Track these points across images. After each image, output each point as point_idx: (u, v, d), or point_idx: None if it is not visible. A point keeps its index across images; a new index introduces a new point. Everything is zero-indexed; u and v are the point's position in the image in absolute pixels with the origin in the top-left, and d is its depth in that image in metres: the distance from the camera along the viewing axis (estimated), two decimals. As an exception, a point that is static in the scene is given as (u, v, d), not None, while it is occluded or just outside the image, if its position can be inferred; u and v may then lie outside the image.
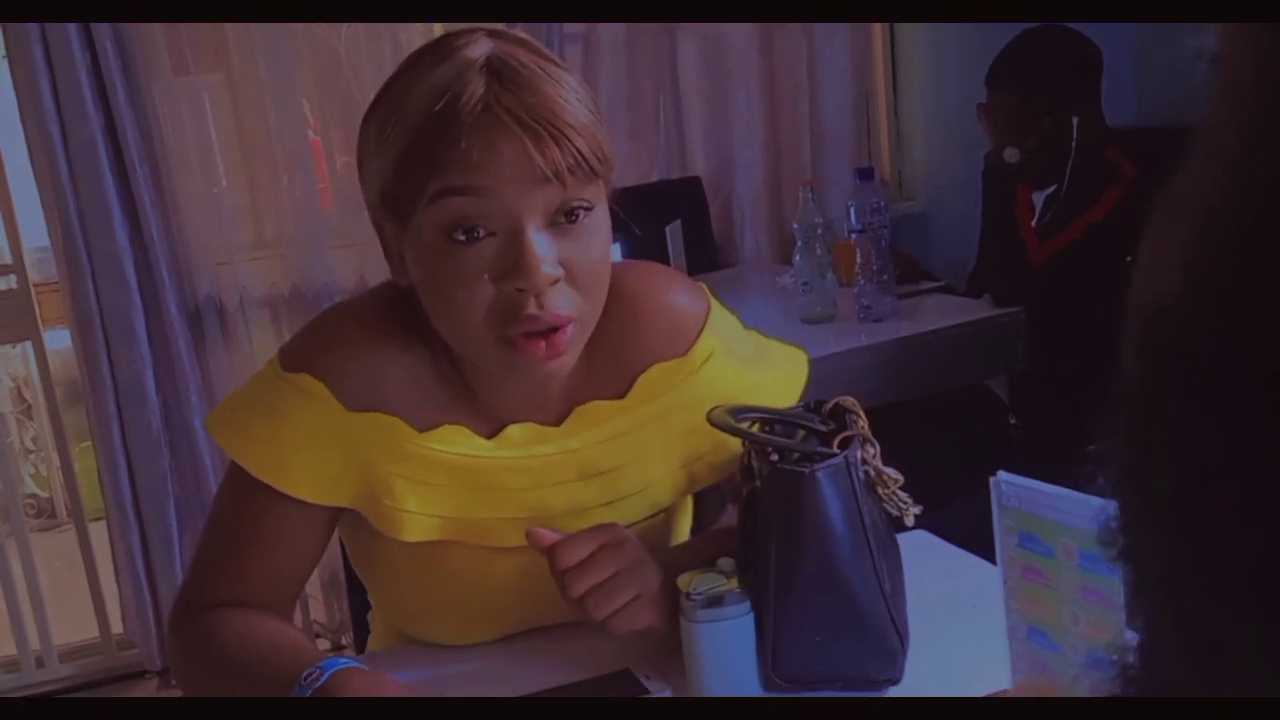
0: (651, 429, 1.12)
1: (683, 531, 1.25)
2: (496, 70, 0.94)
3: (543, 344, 0.96)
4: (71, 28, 2.45)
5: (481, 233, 0.94)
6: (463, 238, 0.95)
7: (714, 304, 1.16)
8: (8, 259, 2.69)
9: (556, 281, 0.96)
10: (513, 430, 1.09)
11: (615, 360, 1.11)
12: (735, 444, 1.08)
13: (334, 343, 1.07)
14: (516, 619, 1.15)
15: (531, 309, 0.95)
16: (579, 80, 1.00)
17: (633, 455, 1.10)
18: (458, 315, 0.98)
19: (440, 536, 1.08)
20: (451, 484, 1.08)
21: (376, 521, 1.08)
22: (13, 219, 2.62)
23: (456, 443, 1.08)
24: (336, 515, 1.11)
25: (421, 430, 1.07)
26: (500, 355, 0.98)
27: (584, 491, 1.10)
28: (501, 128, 0.92)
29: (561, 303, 0.96)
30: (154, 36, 2.60)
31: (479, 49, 0.96)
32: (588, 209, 0.97)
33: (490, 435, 1.09)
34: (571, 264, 0.96)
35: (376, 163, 0.99)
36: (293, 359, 1.07)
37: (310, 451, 1.05)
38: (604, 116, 1.01)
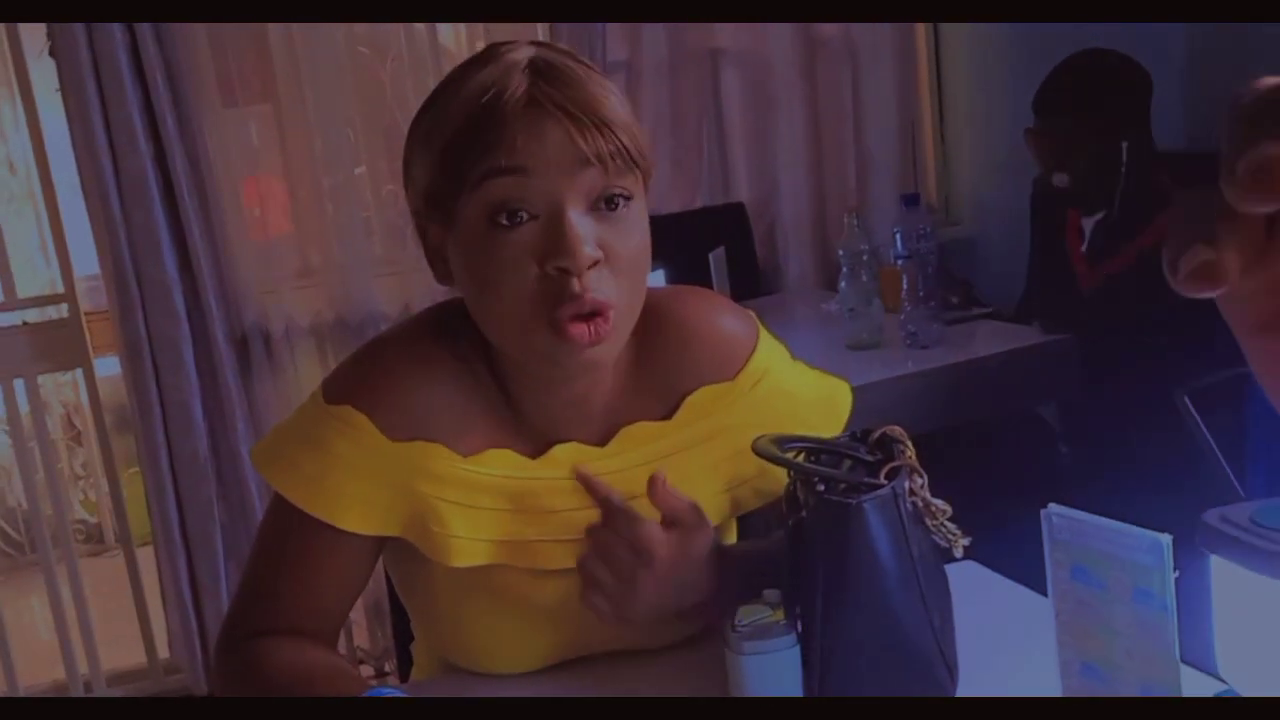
0: (697, 451, 1.11)
1: None
2: (540, 69, 0.97)
3: (586, 328, 0.96)
4: (123, 61, 2.49)
5: (525, 216, 0.96)
6: (506, 221, 0.96)
7: (763, 331, 1.16)
8: (60, 288, 2.73)
9: (596, 263, 0.96)
10: (558, 451, 1.08)
11: (662, 382, 1.11)
12: (781, 470, 1.07)
13: (375, 374, 1.07)
14: (562, 645, 1.14)
15: (575, 289, 0.95)
16: (613, 85, 1.02)
17: (677, 477, 1.08)
18: (503, 302, 0.98)
19: (488, 561, 1.07)
20: (498, 507, 1.07)
21: (425, 548, 1.07)
22: (65, 249, 2.66)
23: (502, 465, 1.07)
24: (381, 544, 1.11)
25: (466, 455, 1.07)
26: (545, 341, 0.98)
27: (636, 489, 1.09)
28: (545, 114, 0.95)
29: (602, 286, 0.97)
30: (203, 69, 2.64)
31: (523, 53, 0.99)
32: (627, 198, 0.99)
33: (535, 457, 1.09)
34: (611, 249, 0.97)
35: (422, 161, 1.01)
36: (335, 392, 1.07)
37: (357, 484, 1.05)
38: (635, 116, 1.02)
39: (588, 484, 1.05)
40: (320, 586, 1.09)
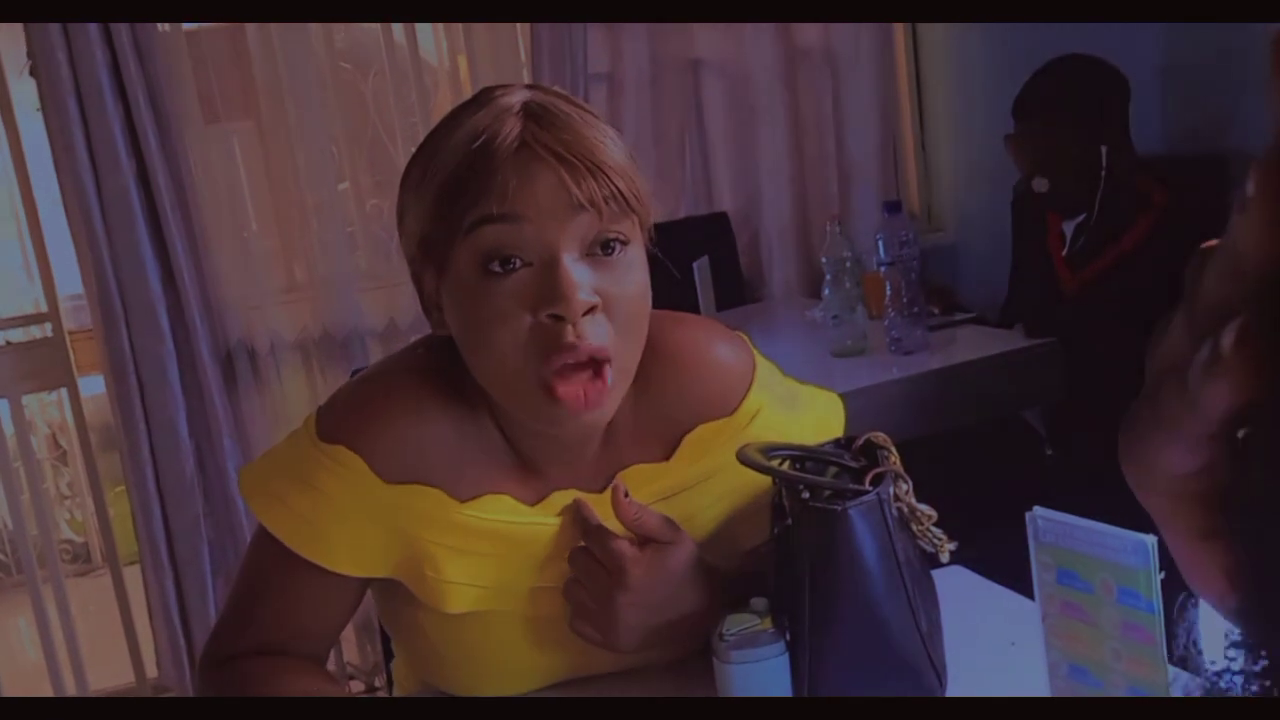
0: (698, 490, 1.09)
1: None
2: (534, 113, 0.95)
3: (582, 393, 0.94)
4: (105, 79, 2.49)
5: (518, 263, 0.94)
6: (499, 269, 0.94)
7: (758, 358, 1.14)
8: (43, 307, 2.72)
9: (592, 309, 0.94)
10: (556, 497, 1.07)
11: (660, 420, 1.09)
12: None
13: (370, 414, 1.04)
14: (549, 677, 1.13)
15: (569, 338, 0.93)
16: (614, 130, 1.00)
17: (679, 516, 1.07)
18: (495, 352, 0.95)
19: (482, 607, 1.06)
20: (495, 553, 1.05)
21: (418, 592, 1.06)
22: (48, 267, 2.65)
23: (499, 511, 1.05)
24: (369, 580, 1.09)
25: (463, 500, 1.04)
26: (539, 404, 0.96)
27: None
28: (538, 160, 0.93)
29: (598, 334, 0.94)
30: (185, 86, 2.64)
31: (516, 97, 0.97)
32: (624, 243, 0.97)
33: (533, 503, 1.07)
34: (607, 295, 0.95)
35: (416, 208, 0.99)
36: (329, 429, 1.04)
37: (349, 526, 1.03)
38: (638, 164, 1.00)
39: (579, 510, 1.04)
40: (306, 620, 1.08)
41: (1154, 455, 0.34)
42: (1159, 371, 0.34)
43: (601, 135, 0.96)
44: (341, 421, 1.04)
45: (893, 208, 2.34)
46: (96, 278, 2.57)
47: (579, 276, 0.93)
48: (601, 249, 0.95)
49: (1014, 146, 2.43)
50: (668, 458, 1.09)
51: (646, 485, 1.08)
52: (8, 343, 2.80)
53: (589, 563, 1.02)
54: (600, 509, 1.05)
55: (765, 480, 1.07)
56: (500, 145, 0.93)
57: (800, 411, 1.16)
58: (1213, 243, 0.33)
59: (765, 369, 1.14)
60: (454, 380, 1.04)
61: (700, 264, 2.45)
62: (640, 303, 0.98)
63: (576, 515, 1.05)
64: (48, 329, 2.69)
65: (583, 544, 1.04)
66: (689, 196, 3.15)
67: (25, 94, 2.67)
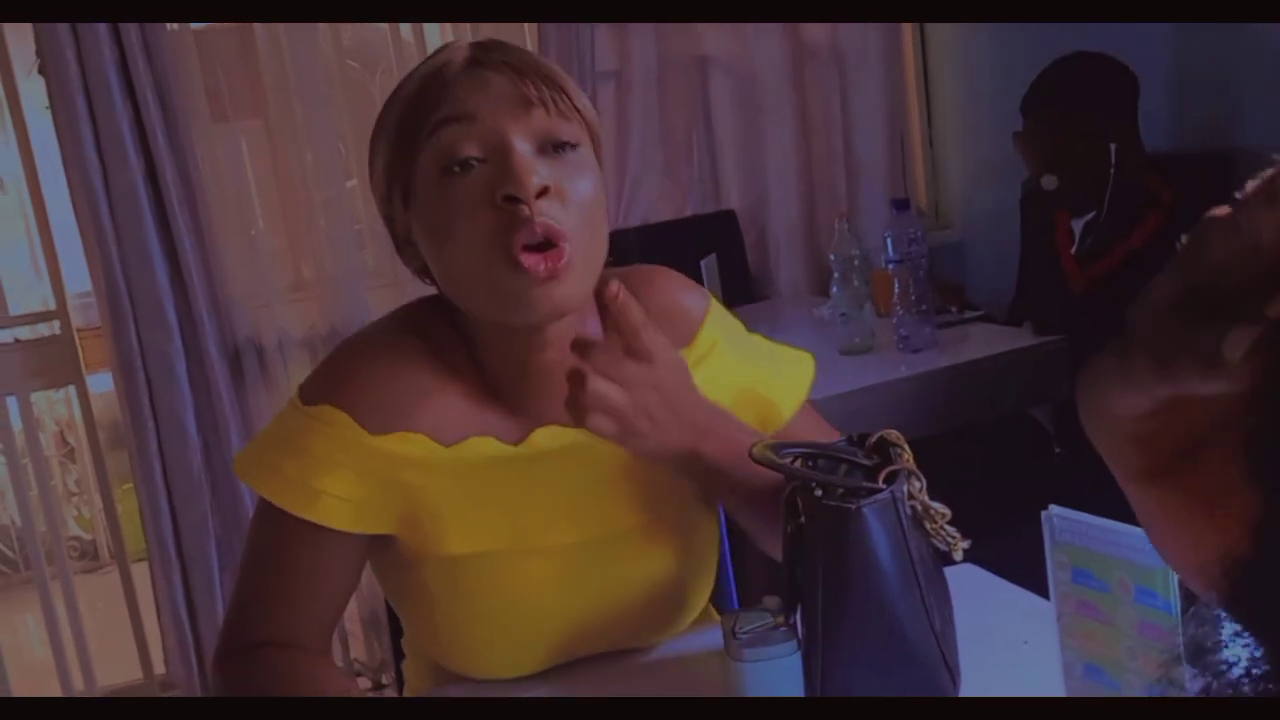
0: None
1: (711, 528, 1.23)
2: (484, 44, 1.04)
3: (541, 260, 0.97)
4: (113, 78, 2.49)
5: (475, 161, 0.99)
6: (458, 169, 0.99)
7: (715, 304, 1.19)
8: (51, 305, 2.72)
9: (546, 190, 0.98)
10: (538, 435, 1.10)
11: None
12: (764, 415, 1.12)
13: (351, 370, 1.08)
14: (557, 644, 1.14)
15: (524, 214, 0.97)
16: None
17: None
18: (460, 246, 1.00)
19: (483, 546, 1.08)
20: (485, 490, 1.08)
21: (419, 540, 1.08)
22: (56, 265, 2.66)
23: (484, 452, 1.08)
24: (370, 544, 1.11)
25: (448, 444, 1.07)
26: (504, 278, 0.98)
27: (622, 485, 1.11)
28: (488, 68, 1.01)
29: (554, 214, 0.99)
30: (193, 85, 2.64)
31: (467, 41, 1.06)
32: (574, 145, 1.02)
33: (517, 442, 1.10)
34: (561, 186, 1.00)
35: (382, 142, 1.05)
36: (312, 393, 1.08)
37: (340, 481, 1.06)
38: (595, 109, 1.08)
39: (615, 298, 1.00)
40: (312, 590, 1.09)
41: (1111, 400, 0.35)
42: (1137, 329, 0.34)
43: (548, 59, 1.05)
44: (323, 383, 1.09)
45: (901, 205, 2.33)
46: (105, 275, 2.57)
47: (532, 162, 0.99)
48: (553, 148, 1.01)
49: (1022, 144, 2.43)
50: None
51: None
52: (16, 340, 2.80)
53: (606, 355, 1.00)
54: (579, 441, 1.08)
55: (733, 409, 1.10)
56: (451, 65, 1.02)
57: (755, 357, 1.20)
58: (1223, 210, 0.33)
59: (721, 312, 1.19)
60: (429, 332, 1.09)
61: (708, 262, 2.45)
62: (594, 201, 1.03)
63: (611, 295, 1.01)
64: (56, 326, 2.69)
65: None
66: (696, 194, 3.15)
67: (34, 92, 2.67)
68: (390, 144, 1.03)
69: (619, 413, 0.99)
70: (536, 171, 0.98)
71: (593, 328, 1.11)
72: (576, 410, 1.00)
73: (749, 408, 1.15)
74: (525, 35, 2.88)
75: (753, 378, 1.17)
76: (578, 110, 1.03)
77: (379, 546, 1.12)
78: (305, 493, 1.05)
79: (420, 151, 1.01)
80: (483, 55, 1.02)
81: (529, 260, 0.97)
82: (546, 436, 1.09)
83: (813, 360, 1.24)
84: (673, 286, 1.17)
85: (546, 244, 0.98)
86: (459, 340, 1.09)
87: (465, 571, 1.09)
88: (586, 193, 1.02)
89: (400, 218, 1.05)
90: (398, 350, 1.08)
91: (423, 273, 1.08)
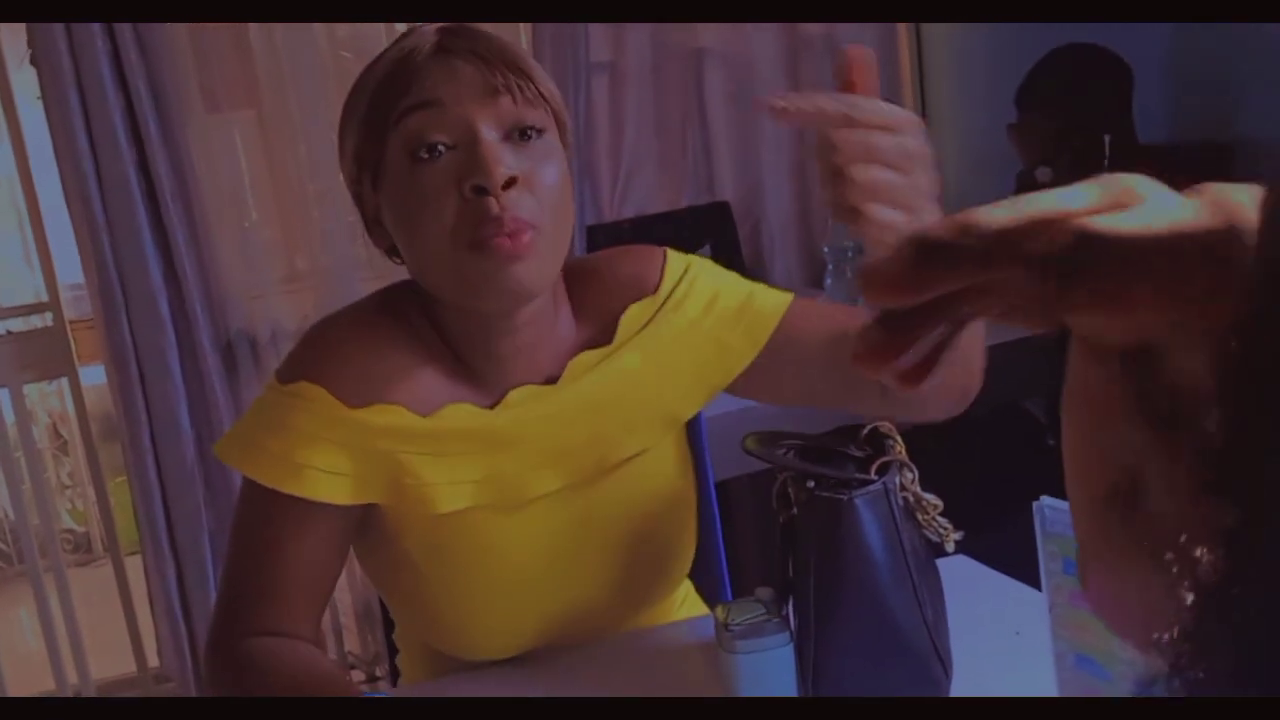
0: (647, 367, 1.14)
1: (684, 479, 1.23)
2: (451, 30, 1.05)
3: (507, 241, 0.99)
4: (105, 69, 2.48)
5: (443, 148, 1.00)
6: (425, 155, 1.00)
7: (670, 249, 1.20)
8: (44, 297, 2.71)
9: (513, 181, 1.00)
10: (512, 394, 1.11)
11: (595, 317, 1.15)
12: (739, 353, 1.14)
13: (326, 348, 1.10)
14: (545, 622, 1.15)
15: (493, 210, 0.98)
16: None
17: (636, 382, 1.13)
18: (429, 233, 1.01)
19: (471, 502, 1.09)
20: (468, 449, 1.10)
21: (406, 505, 1.09)
22: (48, 257, 2.65)
23: (462, 416, 1.10)
24: (353, 522, 1.12)
25: (425, 414, 1.09)
26: (471, 264, 1.00)
27: (599, 424, 1.12)
28: (456, 56, 1.02)
29: (521, 206, 1.00)
30: (186, 76, 2.63)
31: (436, 25, 1.06)
32: (540, 131, 1.03)
33: (492, 405, 1.11)
34: (528, 174, 1.01)
35: (351, 124, 1.06)
36: (288, 372, 1.10)
37: (322, 454, 1.07)
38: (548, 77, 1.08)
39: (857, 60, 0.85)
40: (299, 571, 1.09)
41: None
42: None
43: (516, 45, 1.06)
44: (298, 361, 1.11)
45: (895, 197, 2.33)
46: (97, 267, 2.56)
47: (499, 152, 1.00)
48: (520, 134, 1.02)
49: (1017, 136, 2.43)
50: (610, 342, 1.14)
51: (595, 367, 1.13)
52: (9, 332, 2.80)
53: (854, 135, 0.84)
54: (556, 399, 1.11)
55: (706, 357, 1.13)
56: (420, 50, 1.03)
57: (726, 278, 1.20)
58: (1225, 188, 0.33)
59: (679, 254, 1.20)
60: (402, 311, 1.11)
61: (702, 253, 2.44)
62: (560, 188, 1.04)
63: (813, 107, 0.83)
64: (48, 318, 2.68)
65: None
66: (691, 186, 3.14)
67: (26, 84, 2.66)
68: (359, 127, 1.05)
69: (900, 196, 0.83)
70: (504, 161, 0.99)
71: (564, 317, 1.13)
72: (845, 212, 0.81)
73: (730, 326, 1.15)
74: (519, 25, 2.87)
75: (727, 296, 1.17)
76: (543, 96, 1.04)
77: (361, 531, 1.13)
78: (289, 468, 1.07)
79: (389, 136, 1.02)
80: (450, 42, 1.03)
81: (495, 243, 0.99)
82: (520, 394, 1.11)
83: (782, 298, 1.20)
84: (630, 249, 1.20)
85: (513, 233, 1.00)
86: (430, 317, 1.11)
87: (449, 534, 1.11)
88: (553, 179, 1.03)
89: (369, 199, 1.07)
90: (372, 328, 1.10)
91: (392, 252, 1.10)
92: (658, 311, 1.15)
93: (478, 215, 0.99)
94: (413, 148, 1.01)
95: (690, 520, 1.23)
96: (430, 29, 1.05)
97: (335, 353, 1.09)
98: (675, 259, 1.19)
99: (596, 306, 1.16)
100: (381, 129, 1.02)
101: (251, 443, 1.09)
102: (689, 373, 1.15)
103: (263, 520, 1.09)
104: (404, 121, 1.01)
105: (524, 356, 1.11)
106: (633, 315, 1.15)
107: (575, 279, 1.16)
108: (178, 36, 2.61)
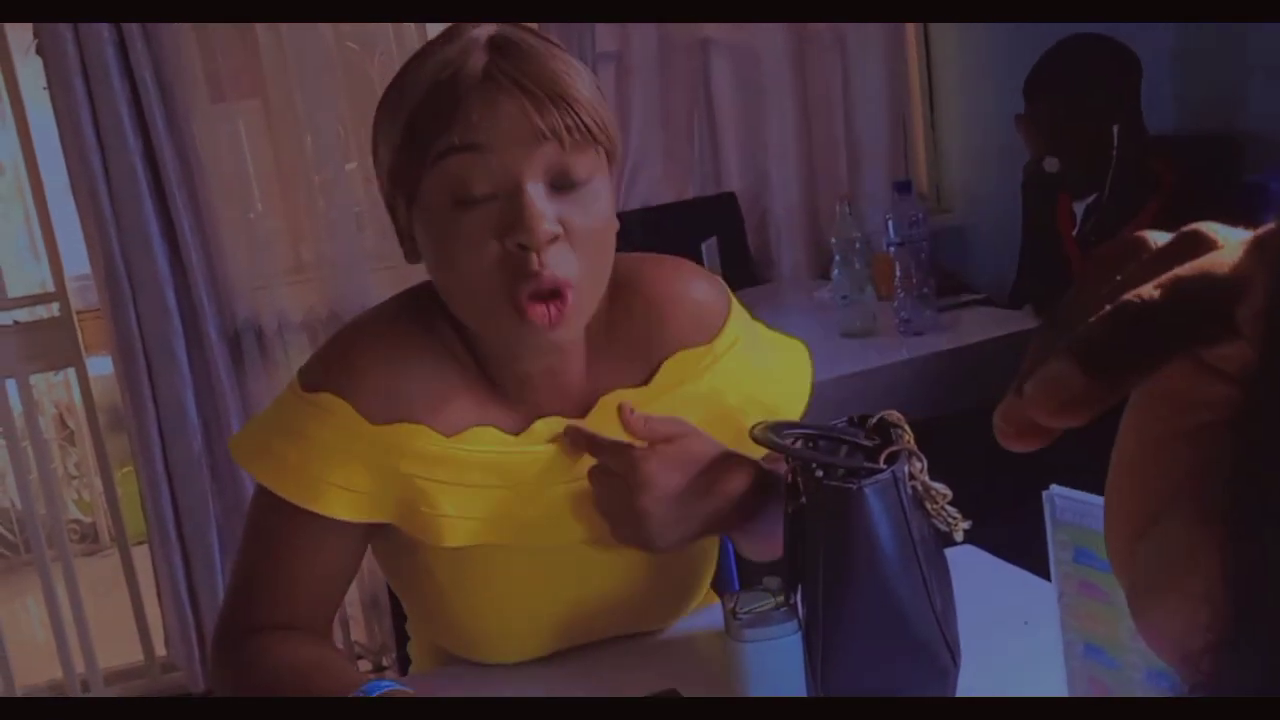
0: (677, 415, 1.11)
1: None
2: (499, 45, 0.98)
3: (546, 310, 0.97)
4: (111, 59, 2.48)
5: (484, 194, 0.96)
6: (466, 199, 0.96)
7: (733, 296, 1.17)
8: (50, 287, 2.71)
9: (556, 239, 0.97)
10: (539, 425, 1.09)
11: (637, 350, 1.11)
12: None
13: (352, 358, 1.07)
14: (561, 631, 1.14)
15: (534, 266, 0.96)
16: (581, 64, 1.02)
17: None
18: (465, 280, 0.98)
19: (479, 540, 1.07)
20: (486, 483, 1.07)
21: (416, 531, 1.07)
22: (55, 247, 2.65)
23: (485, 442, 1.07)
24: (371, 531, 1.11)
25: (449, 435, 1.06)
26: (508, 323, 0.99)
27: None
28: (501, 90, 0.95)
29: (562, 263, 0.97)
30: (191, 65, 2.63)
31: (484, 30, 1.00)
32: (588, 175, 0.99)
33: (518, 432, 1.09)
34: (571, 225, 0.98)
35: (386, 140, 1.01)
36: (312, 379, 1.07)
37: (341, 470, 1.05)
38: (605, 96, 1.03)
39: (575, 434, 1.05)
40: (311, 576, 1.09)
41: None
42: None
43: (567, 67, 0.98)
44: (324, 370, 1.07)
45: (903, 188, 2.33)
46: (104, 257, 2.57)
47: (543, 206, 0.96)
48: (565, 180, 0.98)
49: (1024, 126, 2.42)
50: (646, 383, 1.11)
51: None
52: (15, 322, 2.80)
53: (606, 475, 1.04)
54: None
55: (748, 412, 1.10)
56: (465, 76, 0.96)
57: (768, 352, 1.19)
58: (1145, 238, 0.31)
59: (740, 310, 1.17)
60: (430, 322, 1.07)
61: (709, 245, 2.44)
62: (604, 233, 1.01)
63: (577, 438, 1.06)
64: (55, 309, 2.69)
65: (595, 464, 1.06)
66: (697, 177, 3.13)
67: (32, 73, 2.66)
68: (395, 149, 1.00)
69: (631, 531, 1.02)
70: (547, 216, 0.96)
71: (599, 335, 1.09)
72: (603, 516, 1.04)
73: (754, 412, 1.11)
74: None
75: (760, 380, 1.15)
76: (592, 135, 0.98)
77: (381, 533, 1.11)
78: (306, 482, 1.05)
79: (426, 169, 0.97)
80: (497, 68, 0.96)
81: (534, 311, 0.97)
82: (548, 427, 1.08)
83: (808, 352, 1.23)
84: (692, 279, 1.14)
85: (553, 293, 0.97)
86: (459, 329, 1.08)
87: (467, 563, 1.09)
88: (598, 226, 0.99)
89: (403, 214, 1.03)
90: (399, 339, 1.07)
91: (415, 257, 1.06)
92: (705, 369, 1.11)
93: (518, 270, 0.96)
94: (452, 190, 0.96)
95: (716, 541, 1.22)
96: (477, 40, 0.98)
97: (360, 365, 1.05)
98: (737, 317, 1.15)
99: (641, 338, 1.11)
100: (419, 161, 0.97)
101: (269, 449, 1.07)
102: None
103: (276, 525, 1.08)
104: (444, 162, 0.96)
105: (552, 377, 1.08)
106: (680, 362, 1.11)
107: (623, 295, 1.10)
108: (183, 27, 2.61)
